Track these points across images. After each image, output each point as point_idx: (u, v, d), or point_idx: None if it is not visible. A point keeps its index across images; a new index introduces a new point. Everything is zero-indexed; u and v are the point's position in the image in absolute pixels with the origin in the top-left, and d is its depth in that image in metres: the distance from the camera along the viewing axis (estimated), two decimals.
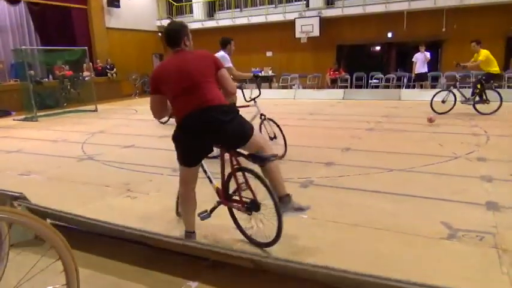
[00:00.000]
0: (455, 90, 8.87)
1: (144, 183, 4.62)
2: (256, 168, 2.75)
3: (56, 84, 13.39)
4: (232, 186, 2.86)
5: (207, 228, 3.12)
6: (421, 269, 2.50)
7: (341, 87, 14.96)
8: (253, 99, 5.20)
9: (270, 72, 16.86)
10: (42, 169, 5.42)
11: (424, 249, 2.80)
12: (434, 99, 8.90)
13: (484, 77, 8.60)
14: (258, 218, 2.77)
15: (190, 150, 2.70)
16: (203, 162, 2.91)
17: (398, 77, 14.73)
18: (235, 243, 2.92)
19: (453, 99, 8.75)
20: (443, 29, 14.11)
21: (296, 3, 16.64)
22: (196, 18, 18.18)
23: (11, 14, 14.63)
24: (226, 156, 2.85)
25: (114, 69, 16.33)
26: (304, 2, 16.46)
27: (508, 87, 12.60)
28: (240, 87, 4.49)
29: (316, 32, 15.54)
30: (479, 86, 8.63)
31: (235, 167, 2.81)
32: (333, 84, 15.34)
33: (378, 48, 18.10)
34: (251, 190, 2.73)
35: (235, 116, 2.67)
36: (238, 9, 17.98)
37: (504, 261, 2.57)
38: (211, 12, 18.69)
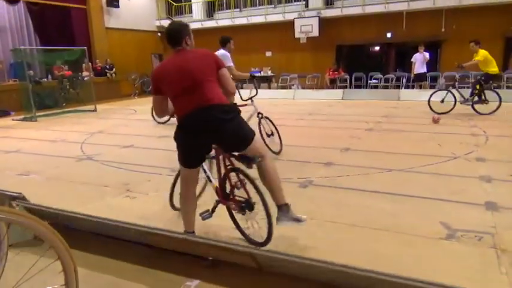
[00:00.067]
0: (454, 91, 8.88)
1: (143, 183, 4.62)
2: (254, 171, 2.75)
3: (55, 84, 13.37)
4: (229, 185, 2.88)
5: (206, 228, 3.12)
6: (420, 269, 2.50)
7: (340, 87, 14.96)
8: (251, 98, 5.27)
9: (270, 72, 16.86)
10: (41, 169, 5.42)
11: (423, 249, 2.81)
12: (432, 99, 8.92)
13: (483, 78, 8.61)
14: (252, 217, 2.79)
15: (190, 150, 2.69)
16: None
17: (397, 77, 14.74)
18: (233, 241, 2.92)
19: (453, 100, 8.76)
20: (443, 29, 14.13)
21: (295, 3, 16.65)
22: (196, 18, 18.17)
23: (10, 14, 14.61)
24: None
25: (114, 69, 16.32)
26: (304, 2, 16.46)
27: (507, 87, 12.62)
28: (237, 87, 4.52)
29: (315, 32, 15.54)
30: (478, 86, 8.64)
31: (229, 167, 2.82)
32: (332, 84, 15.35)
33: (377, 48, 18.10)
34: (245, 190, 2.74)
35: (235, 116, 2.67)
36: (238, 9, 17.98)
37: (503, 262, 2.57)
38: (210, 12, 18.69)
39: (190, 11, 18.83)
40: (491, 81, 8.72)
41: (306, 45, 16.15)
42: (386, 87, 14.75)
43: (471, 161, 5.08)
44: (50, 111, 11.93)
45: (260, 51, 17.36)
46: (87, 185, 4.61)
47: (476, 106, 8.63)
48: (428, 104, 8.93)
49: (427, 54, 11.99)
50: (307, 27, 15.66)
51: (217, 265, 2.54)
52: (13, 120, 11.05)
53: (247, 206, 2.74)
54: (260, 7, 17.37)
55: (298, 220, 2.70)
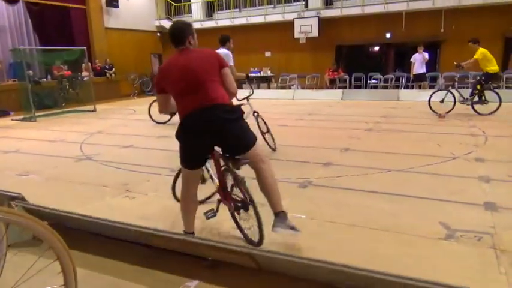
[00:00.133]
0: (453, 91, 8.88)
1: (143, 183, 4.61)
2: (252, 173, 2.75)
3: (54, 84, 13.37)
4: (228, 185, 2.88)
5: (205, 228, 3.11)
6: (419, 269, 2.50)
7: (340, 87, 14.97)
8: (246, 97, 5.33)
9: (269, 73, 16.87)
10: (40, 169, 5.41)
11: (423, 250, 2.81)
12: (432, 99, 8.92)
13: (483, 77, 8.59)
14: (248, 218, 2.80)
15: (192, 151, 2.68)
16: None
17: (396, 77, 14.75)
18: (233, 242, 2.92)
19: (452, 100, 8.76)
20: (442, 30, 14.14)
21: (295, 3, 16.65)
22: (195, 19, 18.16)
23: (9, 14, 14.60)
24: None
25: (113, 69, 16.31)
26: (303, 3, 16.47)
27: (506, 87, 12.63)
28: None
29: (315, 33, 15.55)
30: (478, 86, 8.61)
31: (223, 168, 2.82)
32: (332, 84, 15.35)
33: (376, 48, 18.12)
34: (241, 190, 2.74)
35: (239, 117, 2.66)
36: (237, 10, 17.98)
37: (502, 262, 2.57)
38: (210, 12, 18.69)
39: (190, 11, 18.84)
40: (490, 82, 8.71)
41: (305, 46, 16.15)
42: (385, 87, 14.76)
43: (470, 161, 5.09)
44: (49, 111, 11.92)
45: (259, 52, 17.36)
46: (86, 185, 4.61)
47: (476, 106, 8.62)
48: (429, 104, 8.94)
49: (426, 55, 12.00)
50: (306, 27, 15.67)
51: (216, 265, 2.53)
52: (12, 120, 11.04)
53: (242, 206, 2.75)
54: (259, 7, 17.37)
55: (294, 229, 2.66)
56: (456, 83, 9.56)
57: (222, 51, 5.21)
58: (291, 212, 3.23)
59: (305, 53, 16.49)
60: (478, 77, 8.89)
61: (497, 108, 8.44)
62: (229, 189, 2.88)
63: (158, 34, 19.19)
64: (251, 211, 2.71)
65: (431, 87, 13.14)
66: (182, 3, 18.90)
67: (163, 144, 6.66)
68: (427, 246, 2.86)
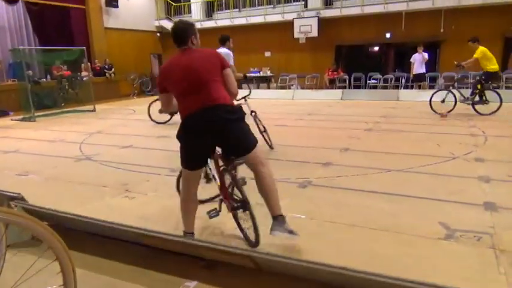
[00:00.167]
0: (454, 91, 8.88)
1: (142, 183, 4.61)
2: (251, 174, 2.75)
3: (54, 84, 13.36)
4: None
5: (208, 228, 3.11)
6: (419, 269, 2.50)
7: (339, 87, 14.96)
8: (244, 97, 5.35)
9: (269, 73, 16.86)
10: (39, 169, 5.41)
11: (422, 250, 2.80)
12: (433, 99, 8.92)
13: (483, 77, 8.58)
14: (246, 218, 2.80)
15: (192, 151, 2.68)
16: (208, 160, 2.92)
17: (396, 77, 14.75)
18: (233, 242, 2.92)
19: (453, 100, 8.75)
20: (442, 30, 14.14)
21: (294, 3, 16.65)
22: (195, 19, 18.14)
23: (9, 14, 14.59)
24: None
25: (112, 69, 16.31)
26: (303, 3, 16.47)
27: (506, 87, 12.63)
28: None
29: (314, 33, 15.55)
30: (479, 86, 8.60)
31: (221, 168, 2.82)
32: (331, 84, 15.35)
33: (376, 48, 18.12)
34: (240, 190, 2.74)
35: (241, 118, 2.66)
36: (237, 10, 17.98)
37: (501, 262, 2.57)
38: (209, 12, 18.68)
39: (190, 11, 18.83)
40: (490, 81, 8.71)
41: (305, 46, 16.16)
42: (385, 87, 14.76)
43: (470, 161, 5.09)
44: (49, 111, 11.91)
45: (259, 52, 17.35)
46: (85, 185, 4.61)
47: (477, 106, 8.62)
48: (430, 104, 8.93)
49: (426, 55, 12.00)
50: (306, 27, 15.67)
51: (214, 266, 2.53)
52: (12, 120, 11.03)
53: (241, 205, 2.75)
54: (259, 7, 17.36)
55: (292, 233, 2.63)
56: (456, 83, 9.54)
57: (222, 50, 5.24)
58: (291, 212, 3.25)
59: (305, 53, 16.49)
60: (478, 77, 8.88)
61: (498, 108, 8.44)
62: (229, 189, 2.89)
63: (158, 34, 19.18)
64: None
65: (430, 87, 13.14)
66: (182, 3, 18.89)
67: (163, 144, 6.66)
68: (427, 246, 2.86)
